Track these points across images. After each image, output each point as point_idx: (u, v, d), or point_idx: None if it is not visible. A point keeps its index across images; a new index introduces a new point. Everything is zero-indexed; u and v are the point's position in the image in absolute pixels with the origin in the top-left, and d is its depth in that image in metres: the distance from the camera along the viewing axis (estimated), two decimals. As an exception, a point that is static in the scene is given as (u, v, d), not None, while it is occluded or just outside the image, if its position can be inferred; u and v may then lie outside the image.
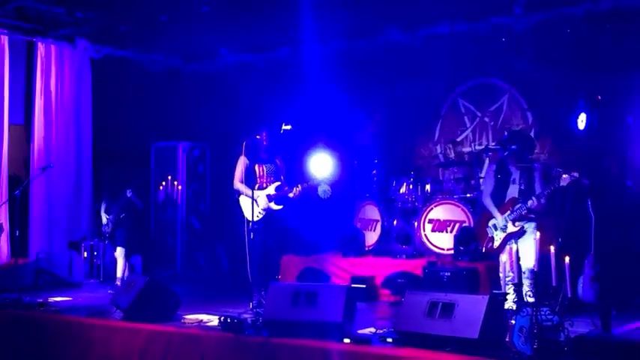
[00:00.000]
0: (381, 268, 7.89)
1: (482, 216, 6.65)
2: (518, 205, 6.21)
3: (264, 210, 7.07)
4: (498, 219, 6.32)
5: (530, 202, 6.10)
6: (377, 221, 8.67)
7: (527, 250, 6.10)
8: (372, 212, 8.77)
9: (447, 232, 8.05)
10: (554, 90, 8.56)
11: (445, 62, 9.37)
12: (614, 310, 5.42)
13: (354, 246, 8.48)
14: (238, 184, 7.33)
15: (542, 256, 5.72)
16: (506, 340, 4.84)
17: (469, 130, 9.40)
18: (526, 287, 5.89)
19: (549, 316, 4.69)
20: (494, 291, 6.38)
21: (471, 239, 7.65)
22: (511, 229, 6.26)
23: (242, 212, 7.30)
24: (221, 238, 10.64)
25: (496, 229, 6.35)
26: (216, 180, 10.90)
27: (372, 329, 5.45)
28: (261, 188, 7.17)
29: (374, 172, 9.03)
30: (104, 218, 8.51)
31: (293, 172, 7.86)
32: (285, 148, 7.74)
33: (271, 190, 7.23)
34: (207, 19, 8.67)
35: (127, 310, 6.20)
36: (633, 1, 7.25)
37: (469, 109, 9.42)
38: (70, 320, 6.46)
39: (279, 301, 5.46)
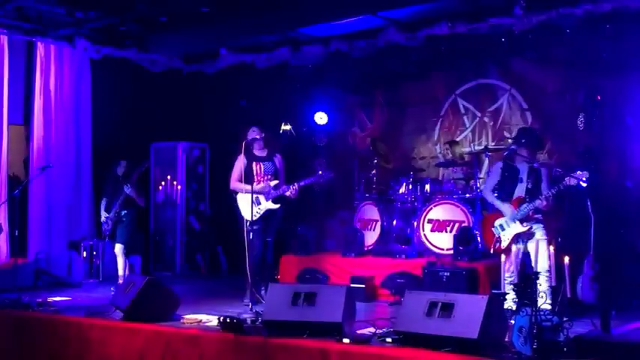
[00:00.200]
0: (380, 268, 7.89)
1: (485, 216, 6.63)
2: (525, 205, 6.17)
3: (261, 209, 7.07)
4: (507, 213, 6.25)
5: (538, 202, 6.06)
6: (376, 221, 8.67)
7: (541, 253, 6.04)
8: (372, 212, 8.77)
9: (446, 232, 8.05)
10: (554, 90, 8.56)
11: (445, 62, 9.38)
12: (614, 310, 5.43)
13: (353, 246, 8.48)
14: (236, 183, 7.35)
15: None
16: (506, 340, 4.85)
17: (469, 130, 9.40)
18: (544, 286, 5.77)
19: (549, 316, 4.69)
20: (493, 291, 6.39)
21: (470, 239, 7.65)
22: (519, 228, 6.21)
23: (239, 212, 7.33)
24: (220, 239, 10.64)
25: (503, 229, 6.30)
26: (216, 180, 10.88)
27: (372, 329, 5.46)
28: None
29: (373, 172, 9.02)
30: (103, 217, 8.49)
31: (292, 171, 7.87)
32: (285, 148, 7.76)
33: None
34: (207, 19, 8.66)
35: (126, 310, 6.19)
36: (633, 2, 7.23)
37: (469, 109, 9.42)
38: (70, 320, 6.46)
39: (279, 301, 5.46)
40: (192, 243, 10.94)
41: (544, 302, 5.08)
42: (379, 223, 8.61)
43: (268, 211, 7.19)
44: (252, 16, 8.84)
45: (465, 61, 9.27)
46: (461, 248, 7.64)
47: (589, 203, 6.76)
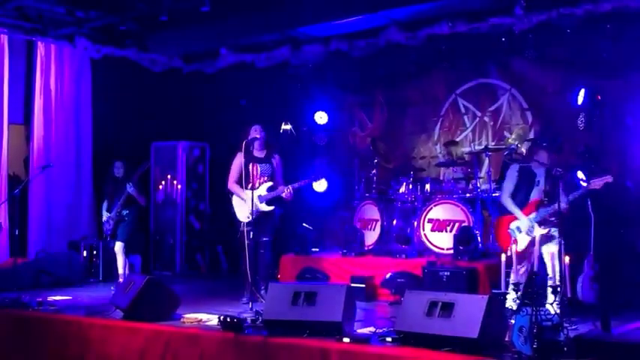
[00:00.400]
0: (380, 268, 7.88)
1: (500, 218, 6.56)
2: (544, 208, 6.13)
3: (254, 211, 7.06)
4: (522, 220, 6.23)
5: (562, 205, 6.01)
6: (376, 221, 8.67)
7: (555, 256, 6.03)
8: (372, 212, 8.77)
9: (446, 231, 8.05)
10: (554, 90, 8.56)
11: (445, 62, 9.39)
12: (614, 310, 5.43)
13: (353, 246, 8.48)
14: (233, 185, 7.37)
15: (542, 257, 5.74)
16: (506, 339, 4.85)
17: (469, 129, 9.40)
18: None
19: (549, 316, 4.70)
20: (493, 291, 6.39)
21: (470, 239, 7.65)
22: (538, 231, 6.15)
23: (234, 213, 7.36)
24: (220, 238, 10.64)
25: (520, 231, 6.26)
26: (216, 180, 10.89)
27: (372, 329, 5.46)
28: (253, 189, 7.19)
29: (373, 171, 9.03)
30: (105, 216, 8.49)
31: (292, 171, 7.88)
32: (284, 148, 7.77)
33: (263, 190, 7.26)
34: (207, 19, 8.66)
35: (126, 310, 6.19)
36: (633, 2, 7.24)
37: (469, 108, 9.42)
38: (70, 320, 6.46)
39: (279, 300, 5.46)
40: (193, 243, 10.94)
41: (552, 302, 5.05)
42: (379, 223, 8.61)
43: (261, 213, 7.19)
44: (252, 16, 8.85)
45: (465, 61, 9.27)
46: (461, 248, 7.64)
47: (589, 203, 6.75)
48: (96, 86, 10.49)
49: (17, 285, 8.06)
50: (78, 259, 9.47)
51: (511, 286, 5.89)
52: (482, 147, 8.65)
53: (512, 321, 4.85)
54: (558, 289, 5.55)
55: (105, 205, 8.58)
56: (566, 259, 5.52)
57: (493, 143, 9.02)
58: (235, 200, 7.38)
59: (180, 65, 10.66)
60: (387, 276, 7.64)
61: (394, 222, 8.59)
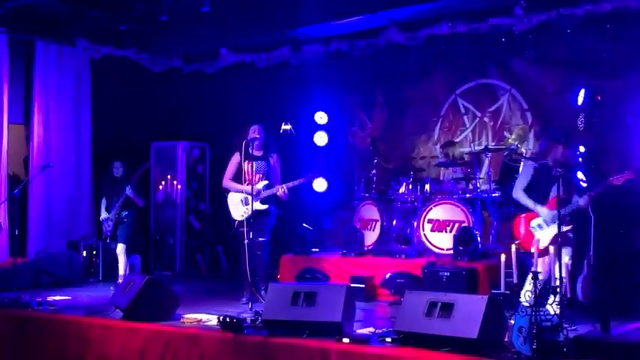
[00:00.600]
0: (380, 268, 7.88)
1: (519, 216, 6.46)
2: (565, 204, 6.07)
3: (249, 209, 7.06)
4: (544, 214, 6.13)
5: (581, 201, 5.95)
6: (376, 221, 8.66)
7: (568, 253, 6.02)
8: (372, 212, 8.76)
9: (446, 232, 8.04)
10: (554, 90, 8.56)
11: (445, 62, 9.39)
12: (613, 311, 5.42)
13: (353, 246, 8.48)
14: (228, 182, 7.39)
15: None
16: (506, 340, 4.85)
17: (469, 130, 9.40)
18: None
19: (548, 316, 4.69)
20: (493, 291, 6.39)
21: (470, 239, 7.65)
22: (562, 228, 6.08)
23: (229, 211, 7.36)
24: (220, 238, 10.64)
25: (541, 228, 6.19)
26: (216, 180, 10.83)
27: (371, 329, 5.46)
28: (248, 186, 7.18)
29: (373, 172, 9.02)
30: (104, 215, 8.50)
31: (292, 171, 7.88)
32: (283, 148, 7.76)
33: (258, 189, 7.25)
34: (207, 19, 8.67)
35: (126, 310, 6.19)
36: (633, 2, 7.24)
37: (469, 109, 9.42)
38: (69, 319, 6.46)
39: (279, 300, 5.46)
40: (193, 243, 10.94)
41: (552, 302, 5.04)
42: (379, 223, 8.61)
43: (256, 212, 7.18)
44: (252, 16, 8.85)
45: (465, 61, 9.27)
46: (461, 248, 7.64)
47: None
48: (96, 86, 10.49)
49: (17, 285, 8.05)
50: (77, 259, 9.47)
51: (530, 276, 5.72)
52: (482, 147, 8.64)
53: (512, 321, 4.84)
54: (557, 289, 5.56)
55: (103, 204, 8.59)
56: (566, 259, 5.52)
57: (493, 143, 9.02)
58: (230, 199, 7.38)
59: (180, 65, 10.67)
60: (387, 276, 7.64)
61: (394, 222, 8.59)
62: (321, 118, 10.07)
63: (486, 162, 8.49)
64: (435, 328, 4.79)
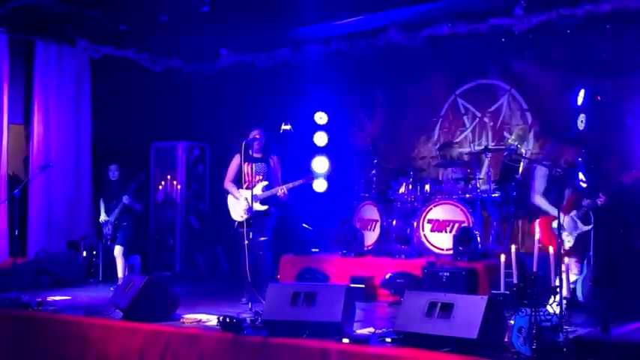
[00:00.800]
0: (380, 268, 7.88)
1: (541, 218, 6.43)
2: (583, 203, 6.04)
3: (248, 210, 7.06)
4: (564, 218, 6.13)
5: (599, 200, 5.94)
6: (376, 221, 8.67)
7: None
8: (371, 212, 8.77)
9: (446, 232, 8.05)
10: (554, 90, 8.56)
11: (445, 62, 9.38)
12: (613, 311, 5.41)
13: (353, 246, 8.48)
14: (228, 184, 7.41)
15: (542, 257, 5.68)
16: (505, 340, 4.85)
17: (469, 130, 9.39)
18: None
19: (548, 317, 4.69)
20: (493, 291, 6.38)
21: (470, 239, 7.65)
22: (583, 228, 6.08)
23: (229, 212, 7.37)
24: (220, 238, 10.64)
25: (564, 229, 6.21)
26: (216, 180, 10.87)
27: (371, 329, 5.46)
28: (248, 188, 7.19)
29: (373, 172, 9.02)
30: (104, 217, 8.50)
31: (292, 171, 7.88)
32: (283, 148, 7.76)
33: (257, 190, 7.26)
34: (207, 19, 8.67)
35: (125, 310, 6.19)
36: (633, 2, 7.24)
37: (469, 109, 9.42)
38: (69, 320, 6.46)
39: (279, 300, 5.46)
40: (192, 243, 10.93)
41: (552, 303, 5.03)
42: (379, 223, 8.61)
43: (256, 213, 7.19)
44: (252, 16, 8.85)
45: (465, 62, 9.26)
46: (460, 248, 7.64)
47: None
48: (95, 86, 10.49)
49: (17, 285, 8.05)
50: (77, 259, 9.47)
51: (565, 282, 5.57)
52: (482, 147, 8.64)
53: (512, 322, 4.84)
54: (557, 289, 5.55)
55: (102, 205, 8.60)
56: (566, 259, 5.51)
57: (493, 144, 9.02)
58: (230, 199, 7.40)
59: (180, 65, 10.67)
60: (387, 276, 7.65)
61: (394, 222, 8.59)
62: (321, 118, 10.06)
63: (486, 162, 8.49)
64: (434, 328, 4.79)
